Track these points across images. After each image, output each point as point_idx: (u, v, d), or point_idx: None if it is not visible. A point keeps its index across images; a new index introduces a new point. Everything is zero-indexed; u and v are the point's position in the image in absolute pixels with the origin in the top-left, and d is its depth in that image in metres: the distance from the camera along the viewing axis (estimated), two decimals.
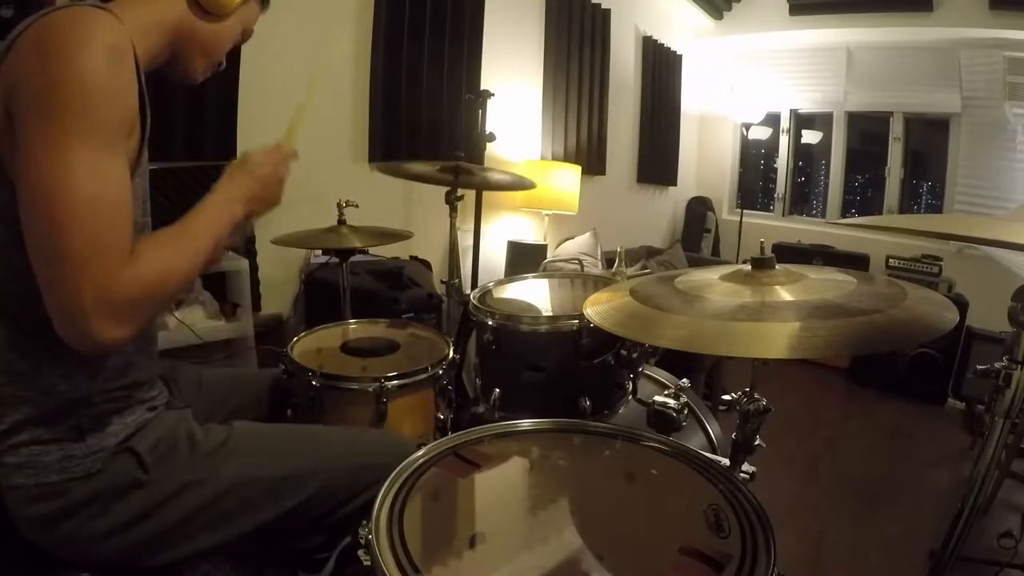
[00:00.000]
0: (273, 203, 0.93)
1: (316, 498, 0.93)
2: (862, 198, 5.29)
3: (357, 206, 1.65)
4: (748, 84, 5.35)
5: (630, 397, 1.35)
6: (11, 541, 0.80)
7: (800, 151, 5.44)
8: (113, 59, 0.70)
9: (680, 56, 5.02)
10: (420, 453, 0.87)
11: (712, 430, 1.42)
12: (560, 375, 1.24)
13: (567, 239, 3.69)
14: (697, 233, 5.38)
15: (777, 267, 0.90)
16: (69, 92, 0.67)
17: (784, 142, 5.36)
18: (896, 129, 4.79)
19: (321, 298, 2.26)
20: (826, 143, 5.15)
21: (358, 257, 1.96)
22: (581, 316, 1.12)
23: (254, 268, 2.20)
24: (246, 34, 0.96)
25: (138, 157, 0.78)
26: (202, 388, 1.13)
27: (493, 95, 2.19)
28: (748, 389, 0.93)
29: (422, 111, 2.78)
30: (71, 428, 0.78)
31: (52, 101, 0.67)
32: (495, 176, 1.93)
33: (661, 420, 1.10)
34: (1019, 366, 0.85)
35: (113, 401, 0.82)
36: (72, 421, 0.78)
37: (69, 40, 0.68)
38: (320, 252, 2.37)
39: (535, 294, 1.52)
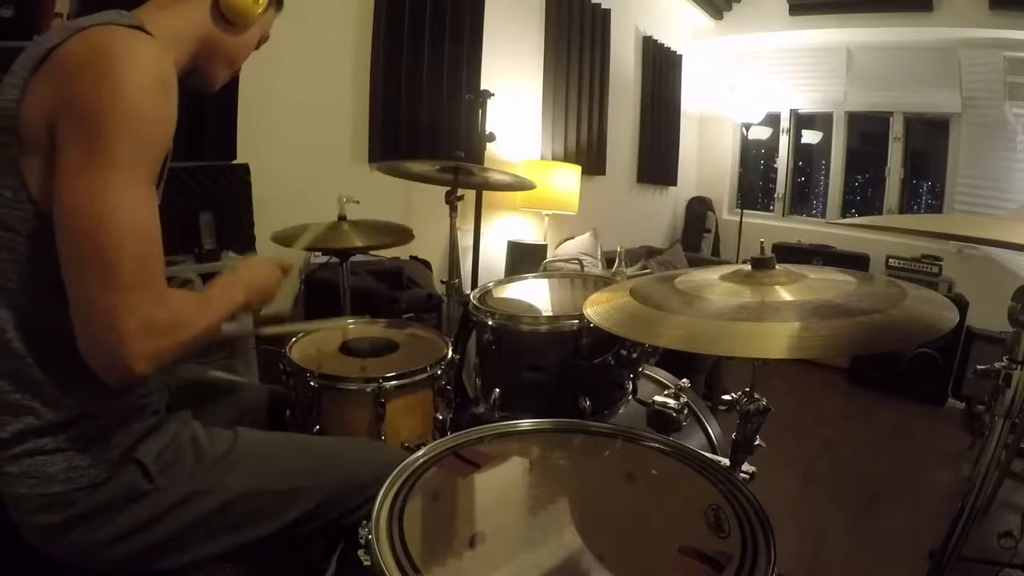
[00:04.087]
0: (267, 300, 0.99)
1: (319, 510, 0.93)
2: (862, 198, 5.29)
3: (358, 202, 1.65)
4: (748, 84, 5.35)
5: (630, 397, 1.35)
6: (14, 546, 0.80)
7: (800, 151, 5.44)
8: (163, 91, 0.72)
9: (680, 56, 5.02)
10: (420, 453, 0.87)
11: (712, 430, 1.42)
12: (560, 375, 1.24)
13: (567, 239, 3.69)
14: (697, 233, 5.38)
15: (777, 267, 0.90)
16: (123, 122, 0.68)
17: (784, 142, 5.36)
18: (896, 129, 4.79)
19: (321, 298, 2.26)
20: (826, 143, 5.15)
21: (358, 257, 1.96)
22: (581, 316, 1.12)
23: None
24: (263, 40, 0.97)
25: (159, 181, 0.79)
26: (202, 394, 1.13)
27: (493, 95, 2.19)
28: (748, 389, 0.93)
29: (422, 111, 2.78)
30: (75, 438, 0.78)
31: (105, 130, 0.67)
32: (495, 176, 1.93)
33: (661, 420, 1.10)
34: (1019, 366, 0.85)
35: (119, 412, 0.82)
36: (75, 432, 0.78)
37: (122, 68, 0.68)
38: (320, 252, 2.37)
39: (535, 294, 1.52)
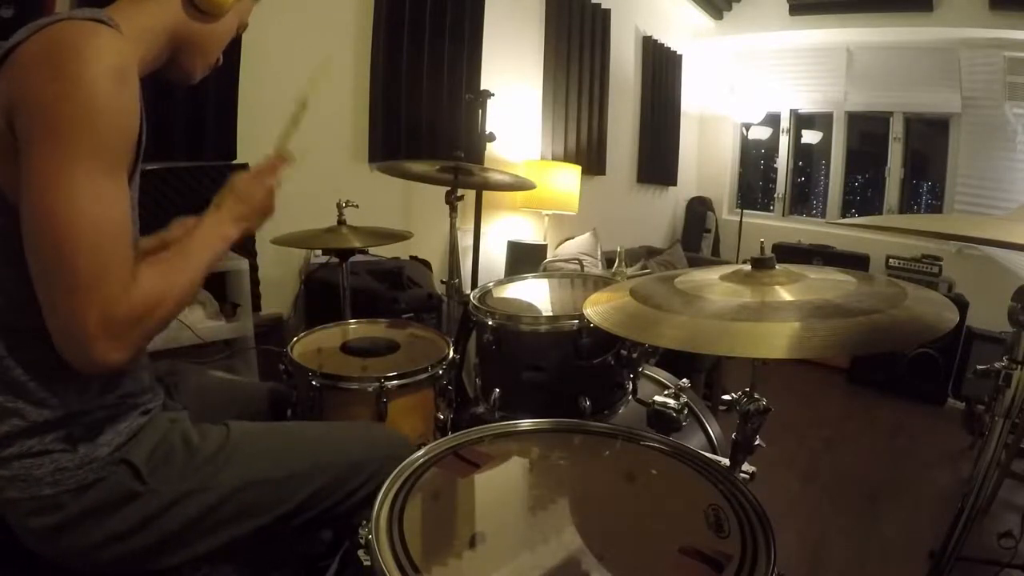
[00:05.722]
0: (266, 214, 0.95)
1: (316, 496, 0.93)
2: (862, 198, 5.29)
3: (357, 206, 1.65)
4: (748, 84, 5.35)
5: (630, 397, 1.35)
6: (13, 548, 0.80)
7: (800, 151, 5.44)
8: (120, 81, 0.70)
9: (680, 56, 5.02)
10: (420, 453, 0.87)
11: (712, 430, 1.42)
12: (560, 375, 1.24)
13: (567, 239, 3.69)
14: (697, 233, 5.38)
15: (777, 267, 0.90)
16: (77, 114, 0.67)
17: (784, 142, 5.36)
18: (896, 129, 4.79)
19: (321, 298, 2.26)
20: (826, 143, 5.15)
21: (358, 257, 1.97)
22: (581, 316, 1.12)
23: (254, 268, 2.20)
24: (241, 28, 0.95)
25: (132, 174, 0.78)
26: (202, 393, 1.12)
27: (493, 95, 2.19)
28: (748, 389, 0.93)
29: (422, 111, 2.78)
30: (61, 439, 0.77)
31: (60, 123, 0.67)
32: (495, 176, 1.93)
33: (661, 420, 1.10)
34: (1019, 366, 0.86)
35: (105, 409, 0.81)
36: (62, 432, 0.77)
37: (75, 60, 0.67)
38: (320, 252, 2.37)
39: (535, 294, 1.52)
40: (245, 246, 2.22)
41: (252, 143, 2.22)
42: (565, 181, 3.51)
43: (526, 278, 1.61)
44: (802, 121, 5.33)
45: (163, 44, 0.84)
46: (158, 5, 0.82)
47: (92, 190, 0.68)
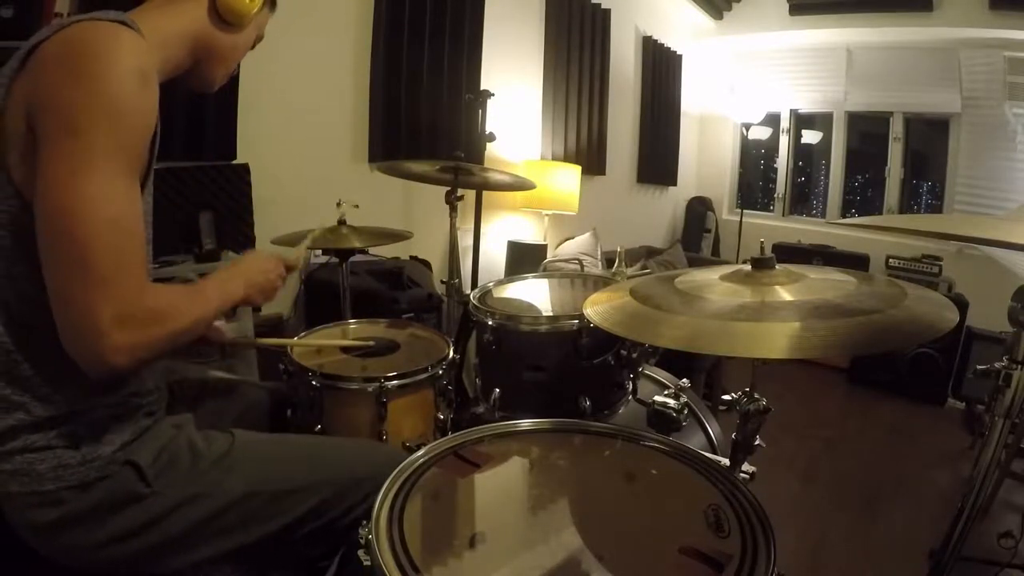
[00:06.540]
0: (267, 295, 0.99)
1: (317, 510, 0.93)
2: (862, 198, 5.29)
3: (357, 206, 1.65)
4: (748, 84, 5.35)
5: (630, 397, 1.35)
6: (14, 546, 0.80)
7: (800, 151, 5.44)
8: (139, 82, 0.71)
9: (680, 56, 5.02)
10: (420, 453, 0.87)
11: (712, 430, 1.42)
12: (560, 375, 1.24)
13: (567, 239, 3.69)
14: (697, 233, 5.39)
15: (777, 267, 0.90)
16: (97, 114, 0.68)
17: (784, 142, 5.36)
18: (896, 129, 4.79)
19: (321, 298, 2.26)
20: (826, 143, 5.15)
21: (358, 257, 1.96)
22: (581, 316, 1.12)
23: None
24: (258, 39, 0.98)
25: (146, 176, 0.79)
26: (204, 394, 1.13)
27: (493, 95, 2.19)
28: (748, 389, 0.93)
29: (422, 111, 2.78)
30: (65, 436, 0.78)
31: (80, 122, 0.67)
32: (495, 176, 1.93)
33: (661, 420, 1.10)
34: (1019, 366, 0.85)
35: (109, 408, 0.82)
36: (66, 429, 0.78)
37: (98, 60, 0.68)
38: (320, 252, 2.37)
39: (535, 294, 1.52)
40: (245, 246, 2.22)
41: (252, 143, 2.22)
42: (565, 181, 3.51)
43: (526, 278, 1.61)
44: (802, 121, 5.33)
45: (186, 51, 0.86)
46: (184, 13, 0.84)
47: (110, 189, 0.69)
